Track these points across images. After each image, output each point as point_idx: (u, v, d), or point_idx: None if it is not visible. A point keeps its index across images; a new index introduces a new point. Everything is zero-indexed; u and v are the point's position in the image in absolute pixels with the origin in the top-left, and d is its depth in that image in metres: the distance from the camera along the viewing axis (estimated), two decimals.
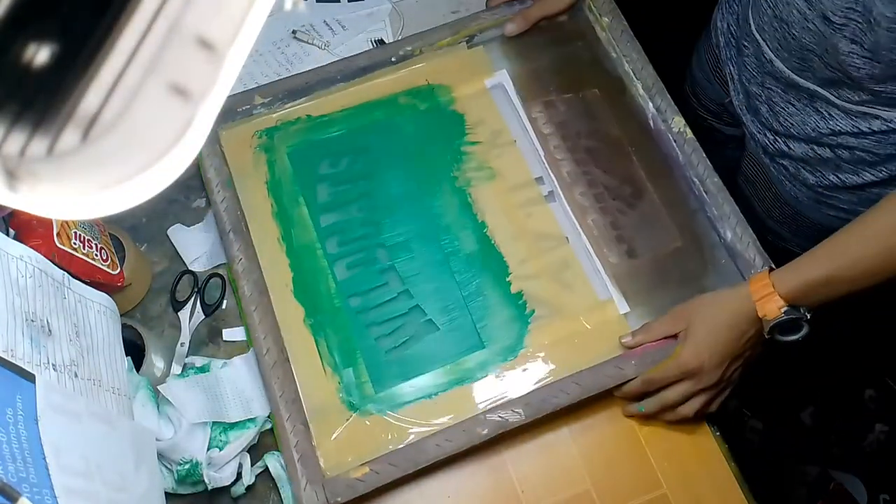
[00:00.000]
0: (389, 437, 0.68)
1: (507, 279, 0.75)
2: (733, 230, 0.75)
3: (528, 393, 0.70)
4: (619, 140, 0.82)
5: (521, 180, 0.80)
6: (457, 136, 0.82)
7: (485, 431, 0.67)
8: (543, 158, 0.80)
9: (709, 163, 0.78)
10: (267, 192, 0.78)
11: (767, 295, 0.66)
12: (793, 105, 0.78)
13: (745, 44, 0.81)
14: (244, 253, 0.74)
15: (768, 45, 0.77)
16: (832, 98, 0.74)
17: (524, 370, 0.72)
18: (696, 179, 0.78)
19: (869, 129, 0.73)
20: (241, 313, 0.76)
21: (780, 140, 0.81)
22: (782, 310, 0.65)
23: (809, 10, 0.68)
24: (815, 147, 0.78)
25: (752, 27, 0.78)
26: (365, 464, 0.66)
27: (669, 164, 0.81)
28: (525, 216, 0.78)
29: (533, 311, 0.74)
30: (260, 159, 0.80)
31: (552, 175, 0.80)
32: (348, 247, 0.77)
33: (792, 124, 0.79)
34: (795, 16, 0.70)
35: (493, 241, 0.77)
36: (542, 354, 0.72)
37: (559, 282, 0.76)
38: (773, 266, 0.73)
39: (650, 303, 0.74)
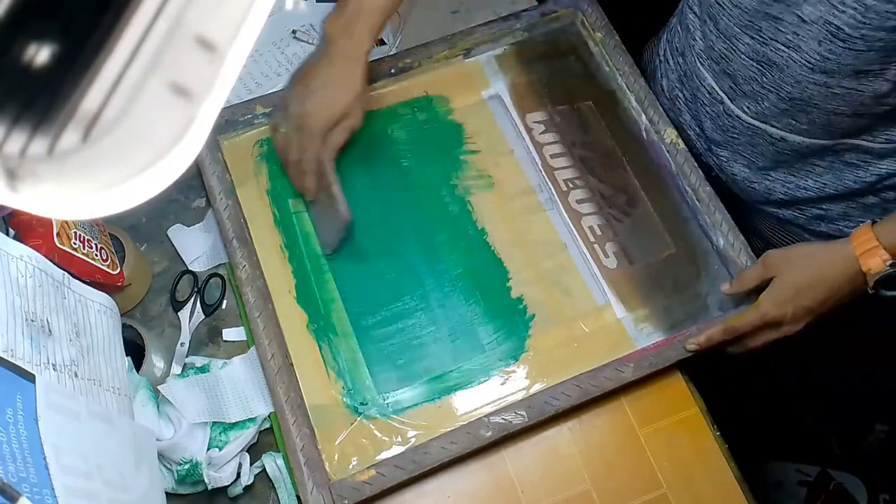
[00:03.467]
0: (393, 440, 0.69)
1: (507, 284, 0.76)
2: (725, 237, 0.77)
3: (530, 396, 0.70)
4: (612, 150, 0.83)
5: (520, 188, 0.81)
6: (455, 146, 0.83)
7: (488, 434, 0.68)
8: (540, 167, 0.82)
9: (700, 172, 0.80)
10: (269, 200, 0.79)
11: (872, 249, 0.65)
12: (816, 168, 0.76)
13: (735, 135, 0.78)
14: (247, 260, 0.74)
15: (776, 126, 0.73)
16: (866, 144, 0.72)
17: (525, 373, 0.72)
18: (688, 188, 0.80)
19: None
20: (242, 314, 0.76)
21: (809, 207, 0.80)
22: (888, 263, 0.64)
23: (831, 78, 0.64)
24: (857, 198, 0.77)
25: (748, 116, 0.75)
26: (371, 467, 0.66)
27: (662, 173, 0.82)
28: (524, 223, 0.79)
29: (533, 315, 0.75)
30: (261, 168, 0.81)
31: (549, 184, 0.81)
32: (349, 254, 0.77)
33: (824, 184, 0.77)
34: (814, 90, 0.66)
35: (492, 248, 0.78)
36: (542, 358, 0.73)
37: (558, 287, 0.76)
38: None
39: (646, 307, 0.76)
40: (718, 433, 0.73)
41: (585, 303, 0.76)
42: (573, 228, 0.79)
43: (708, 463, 0.72)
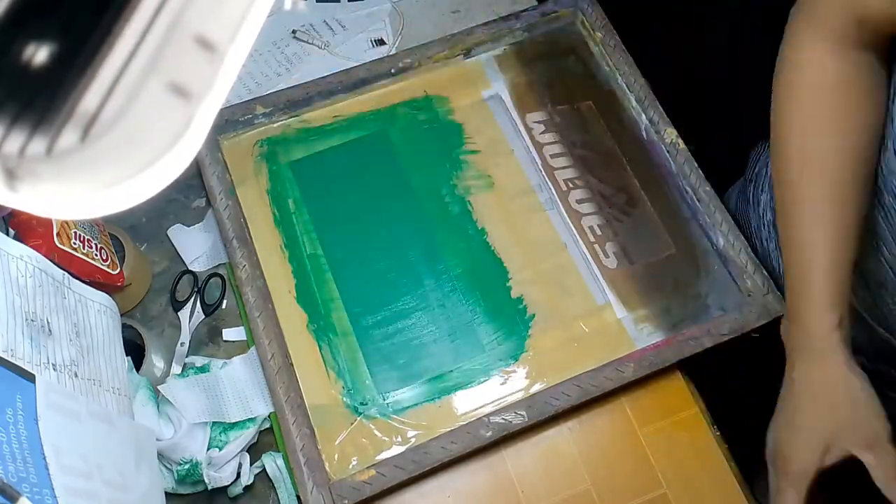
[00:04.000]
0: (393, 440, 0.69)
1: (507, 284, 0.76)
2: (725, 237, 0.77)
3: (530, 396, 0.70)
4: (613, 150, 0.83)
5: (520, 188, 0.81)
6: (456, 146, 0.83)
7: (488, 434, 0.68)
8: (540, 167, 0.82)
9: (700, 172, 0.80)
10: (269, 200, 0.79)
11: None
12: None
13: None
14: (247, 260, 0.74)
15: None
16: None
17: (525, 373, 0.72)
18: (688, 188, 0.80)
19: None
20: (242, 313, 0.76)
21: None
22: None
23: None
24: None
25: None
26: (371, 467, 0.66)
27: (662, 173, 0.82)
28: (524, 223, 0.79)
29: (533, 315, 0.75)
30: (261, 168, 0.81)
31: (549, 184, 0.81)
32: (349, 254, 0.77)
33: None
34: None
35: (492, 248, 0.78)
36: (542, 358, 0.73)
37: (558, 287, 0.76)
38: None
39: (646, 307, 0.76)
40: (718, 433, 0.73)
41: (585, 303, 0.76)
42: (573, 228, 0.79)
43: (708, 463, 0.72)
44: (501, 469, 0.71)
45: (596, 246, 0.78)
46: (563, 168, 0.82)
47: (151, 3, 0.19)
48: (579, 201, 0.81)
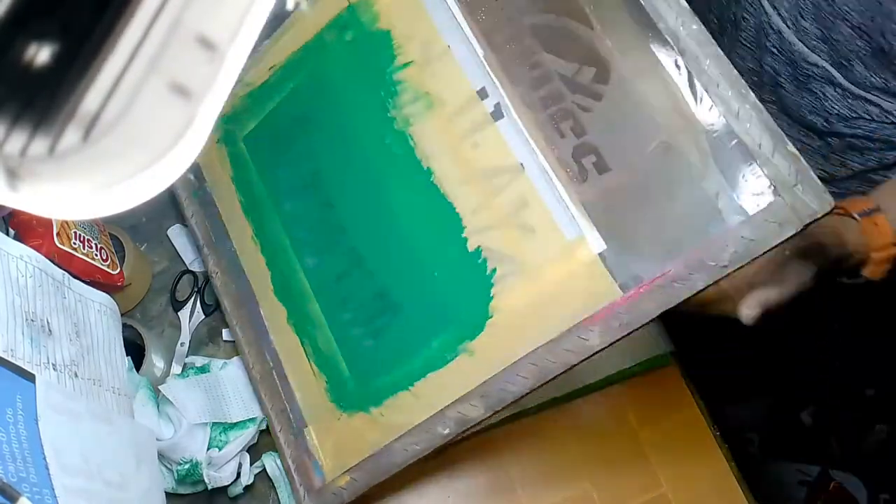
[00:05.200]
0: (374, 437, 0.65)
1: (463, 235, 0.62)
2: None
3: (483, 383, 0.59)
4: (573, 4, 0.58)
5: (462, 99, 0.63)
6: (386, 63, 0.67)
7: (446, 431, 0.60)
8: (483, 59, 0.62)
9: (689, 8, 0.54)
10: (235, 189, 0.75)
11: None
12: (783, 87, 0.74)
13: (746, 15, 0.72)
14: (219, 266, 0.72)
15: (780, 15, 0.68)
16: (838, 78, 0.68)
17: (495, 345, 0.60)
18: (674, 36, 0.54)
19: (866, 114, 0.69)
20: None
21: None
22: None
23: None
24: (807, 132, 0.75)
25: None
26: (346, 472, 0.65)
27: (638, 16, 0.55)
28: (471, 148, 0.62)
29: (494, 269, 0.60)
30: (222, 153, 0.77)
31: (494, 79, 0.61)
32: (309, 234, 0.71)
33: (787, 105, 0.74)
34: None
35: (441, 191, 0.64)
36: (511, 323, 0.59)
37: (519, 226, 0.60)
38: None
39: (631, 231, 0.54)
40: (718, 433, 0.73)
41: (553, 240, 0.58)
42: (529, 138, 0.59)
43: (708, 463, 0.72)
44: (501, 470, 0.71)
45: (558, 153, 0.58)
46: (511, 50, 0.61)
47: (152, 2, 0.19)
48: (534, 89, 0.59)
